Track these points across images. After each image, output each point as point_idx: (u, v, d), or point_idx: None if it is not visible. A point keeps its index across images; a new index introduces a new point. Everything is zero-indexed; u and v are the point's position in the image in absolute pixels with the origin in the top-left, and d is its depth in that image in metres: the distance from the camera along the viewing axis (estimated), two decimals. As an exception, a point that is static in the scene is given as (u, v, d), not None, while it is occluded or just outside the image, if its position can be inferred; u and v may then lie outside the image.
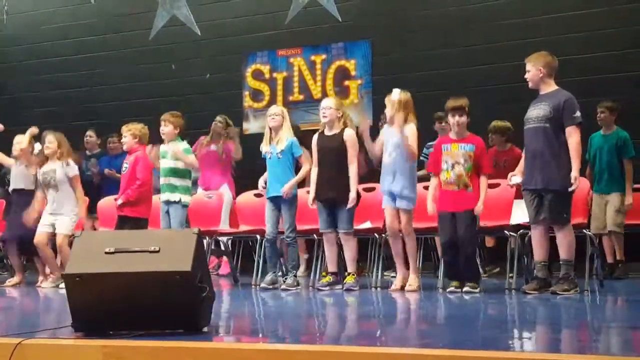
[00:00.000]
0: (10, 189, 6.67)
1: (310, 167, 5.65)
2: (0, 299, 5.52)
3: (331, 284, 5.46)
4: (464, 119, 5.09)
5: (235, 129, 7.36)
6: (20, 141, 6.52)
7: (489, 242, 6.66)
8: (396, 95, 5.27)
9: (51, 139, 6.21)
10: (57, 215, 6.13)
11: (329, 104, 5.62)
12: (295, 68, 8.40)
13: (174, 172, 6.00)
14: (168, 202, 5.97)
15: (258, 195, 6.44)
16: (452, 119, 5.12)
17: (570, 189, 4.73)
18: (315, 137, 5.68)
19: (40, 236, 6.12)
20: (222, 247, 6.75)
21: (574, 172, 4.71)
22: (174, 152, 5.96)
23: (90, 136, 8.02)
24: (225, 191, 7.00)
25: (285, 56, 8.46)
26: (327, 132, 5.59)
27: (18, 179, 6.56)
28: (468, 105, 5.14)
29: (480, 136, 5.34)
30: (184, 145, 6.08)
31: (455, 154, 5.10)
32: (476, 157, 5.08)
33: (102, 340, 2.90)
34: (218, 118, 7.33)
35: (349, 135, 5.51)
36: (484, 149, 5.21)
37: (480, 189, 5.05)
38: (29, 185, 6.49)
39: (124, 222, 5.86)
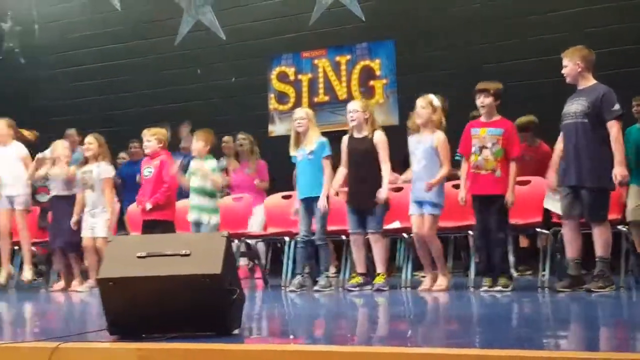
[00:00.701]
0: (51, 194, 6.63)
1: (330, 172, 5.58)
2: (38, 304, 5.61)
3: (361, 284, 5.44)
4: (489, 100, 5.03)
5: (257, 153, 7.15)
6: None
7: (523, 242, 6.56)
8: (437, 101, 5.27)
9: (90, 140, 6.33)
10: (95, 217, 6.23)
11: (355, 107, 5.60)
12: (320, 69, 8.40)
13: (203, 192, 5.94)
14: (197, 224, 5.91)
15: (286, 197, 6.44)
16: (478, 101, 5.12)
17: (617, 183, 4.64)
18: (345, 139, 5.66)
19: (86, 241, 6.23)
20: (252, 250, 6.75)
21: (617, 167, 4.61)
22: (201, 170, 5.93)
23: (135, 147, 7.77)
24: (259, 212, 6.78)
25: (310, 58, 8.46)
26: (357, 135, 5.58)
27: (57, 185, 6.51)
28: (497, 88, 5.07)
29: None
30: (212, 163, 6.05)
31: (483, 138, 5.04)
32: (504, 141, 5.00)
33: (137, 344, 2.93)
34: (241, 136, 7.17)
35: (379, 137, 5.49)
36: (513, 133, 5.11)
37: (509, 174, 4.97)
38: (65, 190, 6.50)
39: (153, 226, 5.87)
